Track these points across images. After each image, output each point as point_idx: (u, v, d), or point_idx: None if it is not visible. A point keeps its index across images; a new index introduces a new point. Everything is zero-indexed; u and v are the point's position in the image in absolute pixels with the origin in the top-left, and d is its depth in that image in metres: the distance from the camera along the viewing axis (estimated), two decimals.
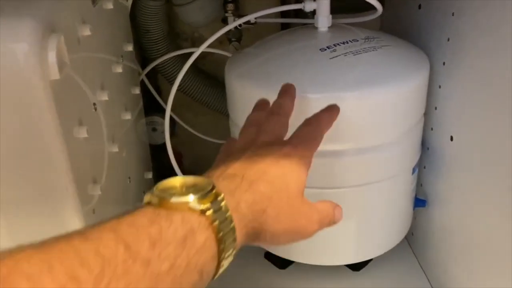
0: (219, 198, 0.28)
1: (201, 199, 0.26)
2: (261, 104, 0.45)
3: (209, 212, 0.26)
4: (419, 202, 0.65)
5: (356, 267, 0.67)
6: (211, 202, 0.27)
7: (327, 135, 0.52)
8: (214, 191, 0.27)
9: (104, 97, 0.48)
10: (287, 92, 0.45)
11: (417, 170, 0.62)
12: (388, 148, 0.55)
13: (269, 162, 0.34)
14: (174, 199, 0.26)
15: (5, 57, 0.32)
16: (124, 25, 0.64)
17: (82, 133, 0.40)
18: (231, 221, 0.28)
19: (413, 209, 0.65)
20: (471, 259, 0.54)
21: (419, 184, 0.66)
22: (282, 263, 0.68)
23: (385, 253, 0.64)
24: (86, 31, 0.42)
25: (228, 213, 0.28)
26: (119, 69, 0.55)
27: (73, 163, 0.38)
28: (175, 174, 0.73)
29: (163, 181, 0.28)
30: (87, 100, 0.44)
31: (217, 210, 0.27)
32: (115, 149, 0.51)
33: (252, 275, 0.68)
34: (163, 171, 0.95)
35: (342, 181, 0.55)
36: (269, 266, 0.69)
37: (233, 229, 0.28)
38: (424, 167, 0.64)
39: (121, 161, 0.56)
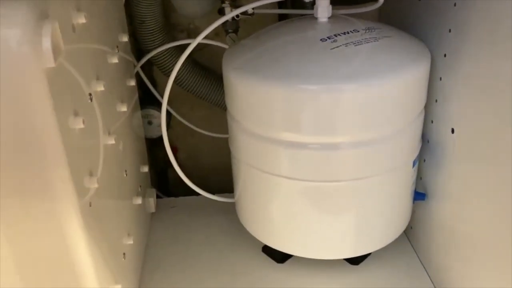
0: None
1: None
2: None
3: None
4: (419, 195, 0.64)
5: (355, 261, 0.67)
6: None
7: (326, 127, 0.51)
8: None
9: (100, 87, 0.46)
10: None
11: (417, 163, 0.62)
12: (389, 140, 0.54)
13: None
14: None
15: None
16: (119, 15, 0.62)
17: (78, 123, 0.39)
18: None
19: (413, 203, 0.65)
20: (470, 253, 0.54)
21: (419, 178, 0.66)
22: (281, 257, 0.68)
23: (384, 247, 0.64)
24: (81, 19, 0.41)
25: None
26: (115, 60, 0.54)
27: (69, 154, 0.37)
28: (170, 168, 0.72)
29: None
30: (82, 90, 0.42)
31: None
32: (112, 141, 0.50)
33: (250, 269, 0.68)
34: (159, 165, 0.94)
35: (341, 174, 0.55)
36: (267, 260, 0.69)
37: None
38: (424, 160, 0.64)
39: (118, 154, 0.55)
